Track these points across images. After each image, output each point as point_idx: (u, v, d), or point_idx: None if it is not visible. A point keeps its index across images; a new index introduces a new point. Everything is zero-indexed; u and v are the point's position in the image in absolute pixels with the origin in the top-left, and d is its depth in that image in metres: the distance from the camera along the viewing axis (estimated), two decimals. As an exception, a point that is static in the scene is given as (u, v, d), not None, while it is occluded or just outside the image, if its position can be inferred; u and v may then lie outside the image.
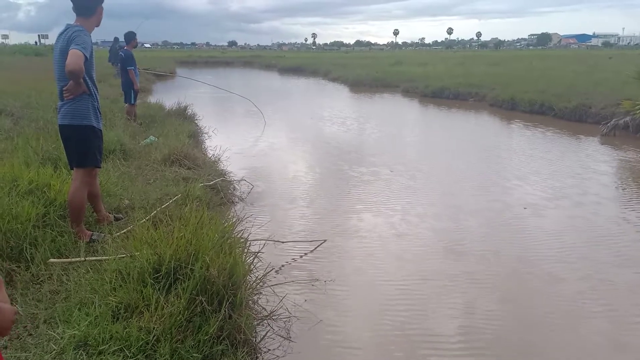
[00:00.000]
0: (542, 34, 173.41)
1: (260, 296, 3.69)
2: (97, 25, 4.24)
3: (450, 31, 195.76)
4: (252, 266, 3.67)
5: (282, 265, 4.59)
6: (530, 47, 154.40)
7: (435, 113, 16.80)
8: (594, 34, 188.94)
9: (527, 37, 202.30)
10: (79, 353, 2.68)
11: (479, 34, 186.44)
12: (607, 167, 8.69)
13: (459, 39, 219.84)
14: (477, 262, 4.78)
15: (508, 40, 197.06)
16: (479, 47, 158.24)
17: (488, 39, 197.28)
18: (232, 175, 7.30)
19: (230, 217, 4.87)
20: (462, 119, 15.28)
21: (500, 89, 17.85)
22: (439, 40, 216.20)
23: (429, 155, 9.78)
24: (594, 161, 9.09)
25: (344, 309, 3.95)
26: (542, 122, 13.52)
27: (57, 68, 4.08)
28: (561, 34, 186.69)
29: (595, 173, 8.19)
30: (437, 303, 4.03)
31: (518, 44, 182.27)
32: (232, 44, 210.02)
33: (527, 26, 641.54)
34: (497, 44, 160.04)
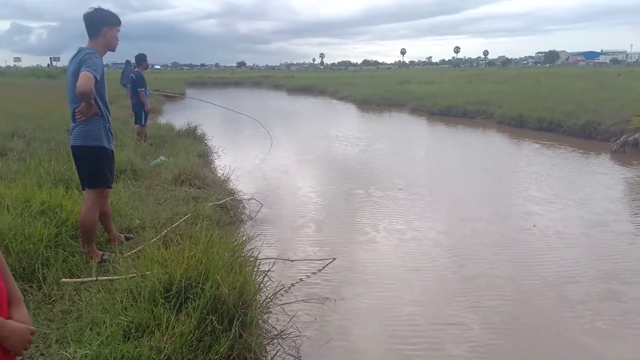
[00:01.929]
0: (550, 51, 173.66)
1: (270, 315, 3.69)
2: (111, 49, 4.29)
3: (457, 50, 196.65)
4: (262, 285, 3.67)
5: (292, 284, 4.58)
6: (538, 64, 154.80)
7: (443, 131, 16.82)
8: (601, 51, 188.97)
9: (534, 55, 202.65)
10: (91, 373, 2.68)
11: (486, 52, 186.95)
12: (618, 184, 8.64)
13: (466, 57, 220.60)
14: (487, 281, 4.75)
15: (515, 59, 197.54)
16: (486, 65, 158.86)
17: (495, 57, 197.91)
18: (241, 194, 7.34)
19: (240, 235, 4.88)
20: (470, 137, 15.29)
21: (508, 106, 17.88)
22: (446, 59, 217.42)
23: (437, 174, 9.78)
24: (604, 178, 9.04)
25: (353, 328, 3.94)
26: (551, 139, 13.49)
27: (70, 90, 4.15)
28: (569, 52, 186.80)
29: (606, 189, 8.15)
30: (447, 323, 4.00)
31: (525, 62, 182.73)
32: (241, 64, 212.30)
33: (535, 44, 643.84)
34: (505, 62, 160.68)
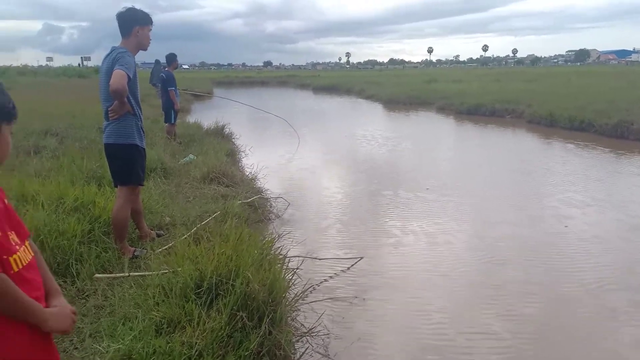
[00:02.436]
0: (580, 50, 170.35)
1: (299, 313, 3.70)
2: (143, 49, 4.35)
3: (485, 48, 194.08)
4: (290, 283, 3.68)
5: (319, 282, 4.58)
6: (568, 63, 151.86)
7: (471, 130, 16.63)
8: (634, 49, 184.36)
9: (564, 54, 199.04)
10: (124, 367, 2.73)
11: (514, 51, 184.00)
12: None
13: (494, 56, 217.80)
14: (519, 288, 4.64)
15: (545, 57, 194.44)
16: (514, 63, 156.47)
17: (524, 55, 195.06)
18: (268, 192, 7.37)
19: (268, 233, 4.90)
20: (499, 136, 15.08)
21: (538, 105, 17.56)
22: (474, 58, 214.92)
23: (466, 174, 9.65)
24: (638, 178, 8.82)
25: (382, 329, 3.91)
26: (582, 139, 13.21)
27: (103, 89, 4.22)
28: (600, 50, 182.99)
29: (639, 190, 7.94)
30: (477, 332, 3.93)
31: (555, 60, 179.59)
32: (268, 64, 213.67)
33: (565, 42, 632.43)
34: (534, 60, 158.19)
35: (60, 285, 3.66)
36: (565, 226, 6.17)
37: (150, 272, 3.65)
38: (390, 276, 4.83)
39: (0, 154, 1.56)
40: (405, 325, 3.95)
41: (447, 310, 4.16)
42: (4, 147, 1.55)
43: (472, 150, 12.68)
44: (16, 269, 1.49)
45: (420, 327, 3.91)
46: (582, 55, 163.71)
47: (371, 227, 6.32)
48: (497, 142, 14.16)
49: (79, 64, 77.64)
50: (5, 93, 1.55)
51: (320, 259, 5.06)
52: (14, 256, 1.50)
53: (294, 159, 10.94)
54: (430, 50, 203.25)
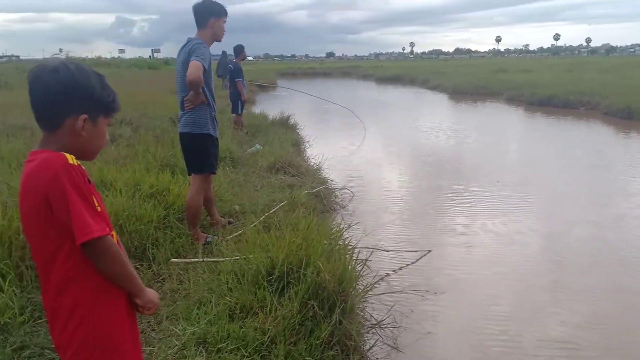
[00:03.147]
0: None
1: (367, 304, 3.69)
2: (217, 40, 4.43)
3: (557, 37, 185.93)
4: (360, 274, 3.66)
5: (387, 274, 4.55)
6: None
7: (543, 122, 15.97)
8: None
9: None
10: (199, 350, 2.81)
11: (588, 40, 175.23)
12: None
13: (566, 45, 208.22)
14: (593, 287, 4.43)
15: (621, 46, 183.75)
16: (588, 53, 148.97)
17: (598, 44, 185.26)
18: (333, 183, 7.38)
19: (335, 224, 4.90)
20: (573, 128, 14.40)
21: (615, 97, 16.60)
22: (545, 47, 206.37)
23: (539, 167, 9.26)
24: None
25: (450, 324, 3.82)
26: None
27: (180, 79, 4.34)
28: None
29: None
30: (546, 329, 3.78)
31: (632, 50, 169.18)
32: (330, 55, 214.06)
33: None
34: (609, 50, 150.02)
35: (137, 268, 3.84)
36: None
37: (223, 258, 3.73)
38: (458, 272, 4.71)
39: (95, 145, 1.61)
40: (473, 325, 3.82)
41: (516, 313, 3.98)
42: (100, 138, 1.61)
43: (545, 143, 12.14)
44: None
45: (488, 328, 3.77)
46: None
47: (437, 221, 6.20)
48: (571, 134, 13.53)
49: (149, 56, 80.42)
50: (107, 87, 1.60)
51: (388, 251, 5.02)
52: (112, 233, 1.58)
53: (358, 150, 10.89)
54: (498, 39, 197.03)
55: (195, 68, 4.02)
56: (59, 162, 1.43)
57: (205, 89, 4.30)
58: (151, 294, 1.70)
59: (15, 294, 3.18)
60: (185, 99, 4.28)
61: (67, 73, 1.48)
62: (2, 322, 2.98)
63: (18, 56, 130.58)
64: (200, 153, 4.41)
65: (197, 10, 4.31)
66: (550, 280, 4.52)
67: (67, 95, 1.48)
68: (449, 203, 6.90)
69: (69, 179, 1.42)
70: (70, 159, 1.46)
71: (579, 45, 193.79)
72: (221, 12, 4.36)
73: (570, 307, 4.02)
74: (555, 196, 7.20)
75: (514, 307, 4.04)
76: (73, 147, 1.51)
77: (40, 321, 3.08)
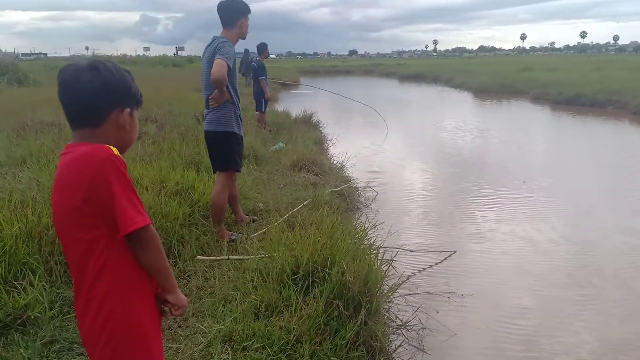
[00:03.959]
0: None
1: (392, 305, 3.66)
2: (242, 38, 4.45)
3: (583, 34, 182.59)
4: (385, 274, 3.63)
5: (412, 274, 4.51)
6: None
7: (570, 121, 15.68)
8: None
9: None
10: (225, 347, 2.82)
11: (616, 38, 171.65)
12: None
13: (593, 42, 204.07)
14: (615, 284, 4.36)
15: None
16: (615, 51, 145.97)
17: (626, 42, 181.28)
18: (356, 181, 7.35)
19: (359, 223, 4.87)
20: (601, 128, 14.09)
21: (645, 95, 16.23)
22: (571, 45, 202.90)
23: (564, 168, 9.10)
24: None
25: (477, 327, 3.77)
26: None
27: (205, 78, 4.35)
28: None
29: None
30: (572, 324, 3.72)
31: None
32: (353, 53, 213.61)
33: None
34: (637, 47, 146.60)
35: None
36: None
37: (248, 256, 3.74)
38: (484, 275, 4.63)
39: (133, 137, 1.68)
40: (498, 329, 3.74)
41: (542, 322, 3.85)
42: (135, 131, 1.69)
43: (573, 143, 11.92)
44: None
45: (513, 334, 3.68)
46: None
47: (462, 223, 6.11)
48: (600, 134, 13.24)
49: (174, 54, 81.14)
50: (135, 82, 1.66)
51: (413, 251, 4.97)
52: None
53: (381, 149, 10.83)
54: (523, 37, 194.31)
55: (219, 66, 4.03)
56: (106, 151, 1.47)
57: (230, 87, 4.31)
58: (181, 296, 1.71)
59: (44, 289, 3.24)
60: (210, 97, 4.30)
61: (106, 70, 1.54)
62: (32, 317, 3.03)
63: (45, 54, 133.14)
64: (225, 151, 4.43)
65: (225, 10, 4.32)
66: (580, 291, 4.34)
67: (111, 90, 1.55)
68: (474, 204, 6.81)
69: (116, 169, 1.47)
70: (115, 150, 1.50)
71: (607, 43, 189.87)
72: (247, 11, 4.37)
73: (600, 321, 3.89)
74: (586, 200, 7.00)
75: (541, 316, 3.93)
76: (116, 140, 1.57)
77: (69, 316, 3.13)
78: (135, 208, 1.49)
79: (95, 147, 1.48)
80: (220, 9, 4.32)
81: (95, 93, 1.52)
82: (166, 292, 1.67)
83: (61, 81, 1.53)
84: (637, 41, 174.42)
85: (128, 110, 1.60)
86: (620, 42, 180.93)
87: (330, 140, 10.92)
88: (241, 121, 4.58)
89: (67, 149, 1.55)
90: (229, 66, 4.12)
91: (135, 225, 1.47)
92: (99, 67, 1.53)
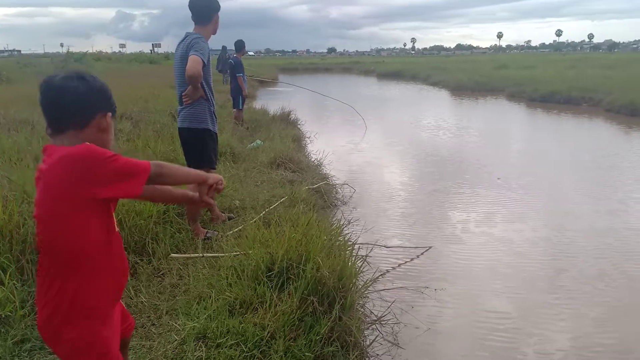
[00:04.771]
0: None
1: (367, 300, 3.69)
2: (214, 33, 4.43)
3: (559, 33, 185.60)
4: (360, 270, 3.66)
5: (388, 270, 4.54)
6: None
7: (544, 118, 15.93)
8: None
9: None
10: (199, 345, 2.81)
11: (591, 36, 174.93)
12: None
13: (569, 41, 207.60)
14: (589, 276, 4.46)
15: (623, 42, 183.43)
16: (590, 49, 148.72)
17: (601, 40, 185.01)
18: (334, 178, 7.37)
19: (335, 220, 4.89)
20: (575, 125, 14.36)
21: (618, 93, 16.56)
22: (547, 43, 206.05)
23: (538, 163, 9.25)
24: None
25: (451, 320, 3.81)
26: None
27: (178, 74, 4.33)
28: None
29: None
30: (547, 317, 3.80)
31: (635, 45, 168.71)
32: (332, 50, 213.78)
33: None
34: (611, 46, 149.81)
35: (137, 263, 3.83)
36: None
37: (223, 254, 3.73)
38: (459, 267, 4.71)
39: (110, 139, 1.79)
40: (473, 321, 3.81)
41: (516, 310, 3.97)
42: (112, 134, 1.81)
43: (547, 140, 12.13)
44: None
45: (488, 324, 3.75)
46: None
47: (438, 217, 6.19)
48: (574, 131, 13.48)
49: (150, 51, 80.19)
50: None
51: (388, 247, 5.01)
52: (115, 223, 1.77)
53: (359, 146, 10.87)
54: (500, 35, 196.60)
55: (194, 62, 4.01)
56: (92, 145, 1.61)
57: (204, 83, 4.29)
58: (214, 174, 1.98)
59: (16, 288, 3.19)
60: (183, 93, 4.27)
61: (91, 79, 1.74)
62: (3, 316, 2.98)
63: (19, 51, 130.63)
64: (199, 148, 4.41)
65: (200, 7, 4.28)
66: (551, 279, 4.49)
67: (97, 96, 1.74)
68: (450, 201, 6.89)
69: (104, 150, 1.62)
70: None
71: (582, 42, 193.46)
72: (219, 7, 4.35)
73: (571, 306, 4.01)
74: (556, 194, 7.17)
75: (514, 305, 4.02)
76: (96, 142, 1.66)
77: (40, 315, 3.08)
78: (133, 160, 1.74)
79: (81, 145, 1.61)
80: (194, 5, 4.29)
81: (82, 98, 1.69)
82: (204, 184, 1.93)
83: (48, 87, 1.68)
84: (611, 39, 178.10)
85: (109, 113, 1.76)
86: (595, 40, 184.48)
87: (309, 138, 10.94)
88: (216, 118, 4.56)
89: (49, 150, 1.66)
90: (203, 62, 4.10)
91: (146, 171, 1.69)
92: (85, 77, 1.72)
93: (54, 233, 1.64)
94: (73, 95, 1.68)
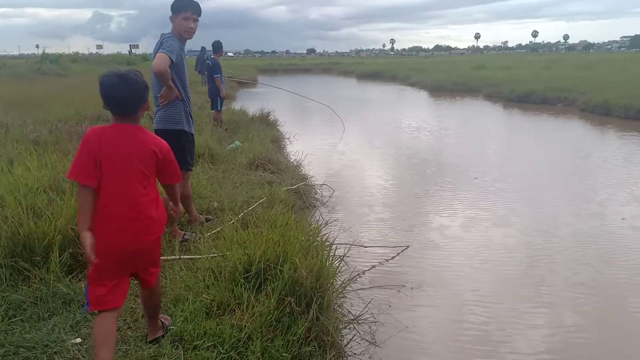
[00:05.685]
0: (636, 35, 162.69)
1: (345, 300, 3.70)
2: (182, 37, 4.28)
3: (535, 34, 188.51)
4: (338, 269, 3.67)
5: (365, 270, 4.57)
6: (623, 49, 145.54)
7: (521, 118, 16.17)
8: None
9: (618, 40, 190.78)
10: (176, 346, 2.80)
11: (566, 37, 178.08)
12: None
13: (545, 42, 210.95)
14: (566, 274, 4.54)
15: (598, 43, 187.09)
16: (566, 50, 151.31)
17: (576, 41, 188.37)
18: (313, 179, 7.38)
19: (314, 220, 4.91)
20: (550, 125, 14.60)
21: (592, 93, 16.92)
22: (523, 44, 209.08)
23: (515, 163, 9.40)
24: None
25: (428, 317, 3.87)
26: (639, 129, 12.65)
27: (153, 76, 4.29)
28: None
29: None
30: (522, 315, 3.86)
31: (609, 46, 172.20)
32: (311, 51, 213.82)
33: (620, 28, 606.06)
34: (586, 46, 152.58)
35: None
36: (623, 218, 5.93)
37: (200, 256, 3.72)
38: (436, 266, 4.77)
39: None
40: (451, 319, 3.87)
41: (493, 307, 4.05)
42: None
43: (522, 139, 12.33)
44: None
45: (464, 322, 3.82)
46: (637, 41, 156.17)
47: (416, 217, 6.25)
48: (549, 131, 13.71)
49: (128, 52, 79.08)
50: None
51: (366, 247, 5.04)
52: None
53: (338, 147, 10.91)
54: (477, 36, 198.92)
55: (159, 59, 3.97)
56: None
57: (178, 84, 4.26)
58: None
59: (-12, 293, 3.14)
60: (159, 94, 4.24)
61: (140, 74, 2.48)
62: (-26, 322, 2.93)
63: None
64: (175, 149, 4.34)
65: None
66: (529, 276, 4.57)
67: (146, 88, 2.49)
68: (428, 200, 6.96)
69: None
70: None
71: (557, 42, 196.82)
72: (176, 9, 4.26)
73: (550, 302, 4.09)
74: (532, 192, 7.31)
75: (491, 302, 4.09)
76: (140, 122, 2.51)
77: (15, 320, 3.04)
78: None
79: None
80: None
81: (141, 88, 2.46)
82: (174, 204, 3.02)
83: (126, 80, 2.40)
84: (586, 40, 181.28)
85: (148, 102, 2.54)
86: (570, 41, 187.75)
87: (288, 139, 10.93)
88: (192, 119, 4.54)
89: (117, 124, 2.50)
90: (171, 60, 4.05)
91: (180, 175, 3.04)
92: (138, 72, 2.48)
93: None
94: (143, 87, 2.47)
